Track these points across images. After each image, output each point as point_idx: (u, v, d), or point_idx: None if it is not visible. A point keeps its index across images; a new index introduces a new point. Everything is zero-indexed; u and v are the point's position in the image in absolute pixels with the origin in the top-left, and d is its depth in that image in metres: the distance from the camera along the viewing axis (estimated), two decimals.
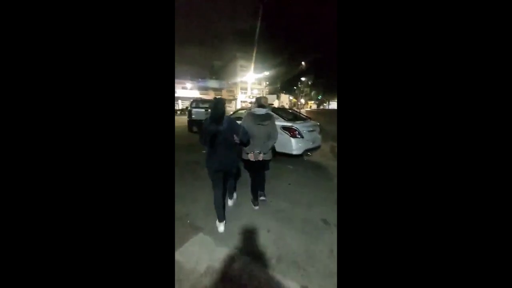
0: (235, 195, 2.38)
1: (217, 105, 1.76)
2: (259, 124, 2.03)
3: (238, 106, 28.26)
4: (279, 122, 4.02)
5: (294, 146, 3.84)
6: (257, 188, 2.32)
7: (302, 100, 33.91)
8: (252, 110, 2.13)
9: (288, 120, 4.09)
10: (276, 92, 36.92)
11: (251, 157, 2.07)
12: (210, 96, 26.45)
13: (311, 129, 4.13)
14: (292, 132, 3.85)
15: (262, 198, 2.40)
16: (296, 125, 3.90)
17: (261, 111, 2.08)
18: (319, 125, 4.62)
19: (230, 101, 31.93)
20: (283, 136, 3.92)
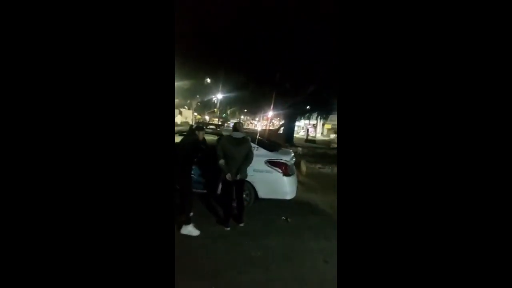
0: (189, 227, 2.13)
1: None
2: (236, 147, 2.19)
3: None
4: (262, 155, 2.75)
5: (289, 188, 2.70)
6: (230, 209, 2.33)
7: (207, 117, 33.34)
8: (230, 133, 2.28)
9: (269, 150, 2.89)
10: (177, 107, 33.73)
11: (228, 177, 2.21)
12: None
13: (293, 160, 3.18)
14: (283, 168, 2.70)
15: (241, 224, 2.38)
16: (285, 158, 2.81)
17: (239, 135, 2.23)
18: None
19: None
20: (270, 176, 2.68)
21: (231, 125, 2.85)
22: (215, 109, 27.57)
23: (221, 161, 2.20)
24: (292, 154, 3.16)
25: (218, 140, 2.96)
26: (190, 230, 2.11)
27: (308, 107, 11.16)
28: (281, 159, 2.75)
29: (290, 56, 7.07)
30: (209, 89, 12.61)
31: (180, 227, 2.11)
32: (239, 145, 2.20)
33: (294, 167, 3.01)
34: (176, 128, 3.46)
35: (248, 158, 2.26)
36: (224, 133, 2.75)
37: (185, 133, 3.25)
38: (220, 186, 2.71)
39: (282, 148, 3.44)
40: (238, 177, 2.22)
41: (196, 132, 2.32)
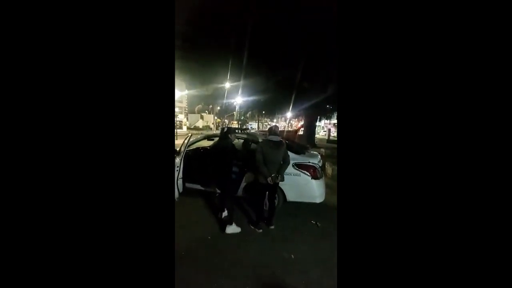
0: (233, 226, 2.35)
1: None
2: (274, 150, 2.25)
3: None
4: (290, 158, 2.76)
5: (317, 191, 2.68)
6: (263, 211, 2.43)
7: (226, 120, 33.95)
8: (268, 137, 2.33)
9: (296, 153, 2.89)
10: (200, 111, 35.08)
11: (269, 181, 2.22)
12: None
13: (321, 162, 3.14)
14: (311, 171, 2.69)
15: (271, 227, 2.42)
16: (313, 160, 2.79)
17: (276, 138, 2.29)
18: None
19: None
20: (299, 179, 2.67)
21: (250, 127, 2.94)
22: (234, 112, 28.17)
23: (261, 165, 2.22)
24: (319, 157, 3.12)
25: (244, 143, 3.04)
26: (233, 228, 2.32)
27: (329, 106, 10.85)
28: (309, 162, 2.74)
29: (310, 55, 6.99)
30: (229, 94, 12.99)
31: (224, 228, 2.31)
32: (277, 148, 2.25)
33: (321, 170, 2.97)
34: (205, 133, 3.63)
35: (285, 161, 2.31)
36: (260, 138, 2.82)
37: (213, 138, 3.42)
38: (240, 188, 2.79)
39: (308, 151, 3.42)
40: (278, 180, 2.26)
41: (229, 135, 2.42)
